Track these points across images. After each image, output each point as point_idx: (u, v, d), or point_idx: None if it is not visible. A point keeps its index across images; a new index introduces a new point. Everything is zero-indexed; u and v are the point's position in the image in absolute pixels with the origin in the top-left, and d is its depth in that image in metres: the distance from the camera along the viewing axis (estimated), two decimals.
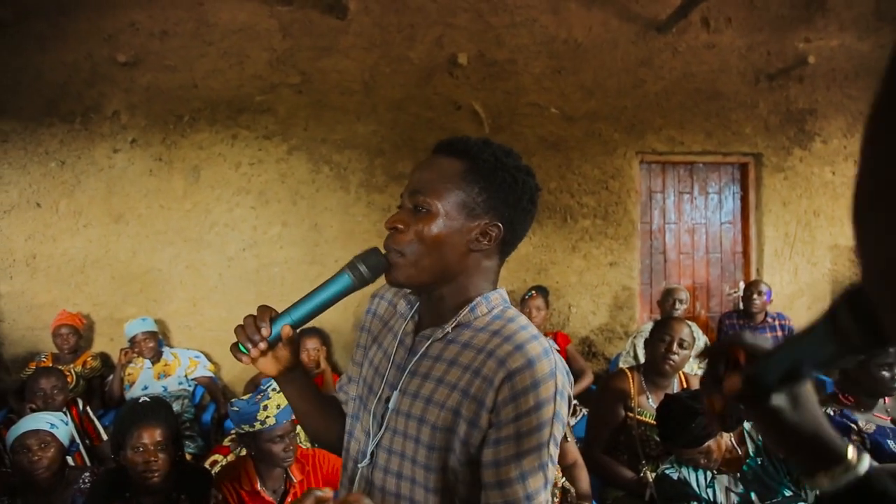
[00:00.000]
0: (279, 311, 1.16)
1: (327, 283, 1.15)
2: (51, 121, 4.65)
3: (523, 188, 1.14)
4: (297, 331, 1.16)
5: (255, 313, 1.14)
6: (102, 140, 4.69)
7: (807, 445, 0.74)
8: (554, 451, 1.06)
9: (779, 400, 0.73)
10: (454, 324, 1.14)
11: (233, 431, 3.32)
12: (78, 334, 4.42)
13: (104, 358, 4.64)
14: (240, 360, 1.14)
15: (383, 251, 1.15)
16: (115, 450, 2.35)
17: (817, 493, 0.76)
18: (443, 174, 1.12)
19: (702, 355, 0.80)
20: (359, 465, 1.18)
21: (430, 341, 1.15)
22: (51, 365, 4.16)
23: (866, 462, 0.71)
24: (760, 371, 0.72)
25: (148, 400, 2.44)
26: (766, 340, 0.75)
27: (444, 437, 1.06)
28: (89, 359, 4.43)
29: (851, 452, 0.71)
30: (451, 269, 1.13)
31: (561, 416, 1.06)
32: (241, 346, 1.13)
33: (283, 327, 1.13)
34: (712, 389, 0.79)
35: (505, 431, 1.02)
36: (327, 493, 0.85)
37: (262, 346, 1.12)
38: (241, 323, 1.14)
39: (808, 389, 0.74)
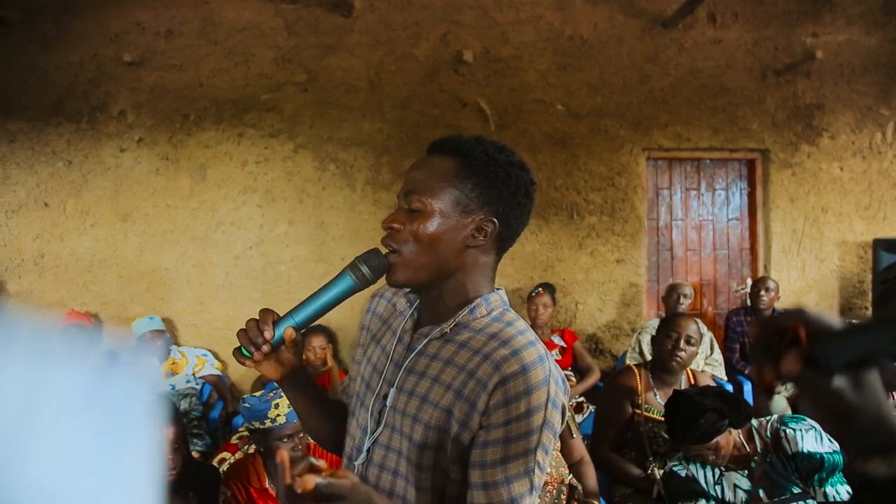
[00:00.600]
0: (281, 314, 1.14)
1: (329, 284, 1.15)
2: (57, 120, 4.67)
3: (517, 183, 1.14)
4: (301, 333, 1.16)
5: (258, 317, 1.13)
6: (109, 139, 4.71)
7: (866, 428, 0.70)
8: (542, 458, 1.06)
9: (840, 382, 0.69)
10: (453, 323, 1.14)
11: (241, 428, 3.33)
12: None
13: None
14: (243, 363, 1.13)
15: (383, 251, 1.16)
16: None
17: (868, 478, 0.72)
18: (435, 173, 1.13)
19: (757, 327, 0.76)
20: (354, 462, 1.18)
21: (427, 339, 1.15)
22: None
23: None
24: (826, 353, 0.68)
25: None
26: (832, 318, 0.71)
27: (435, 436, 1.07)
28: None
29: None
30: (448, 267, 1.14)
31: (551, 424, 1.06)
32: (243, 349, 1.12)
33: (286, 329, 1.12)
34: (765, 363, 0.74)
35: (493, 435, 1.03)
36: (322, 463, 0.85)
37: (266, 349, 1.11)
38: (244, 327, 1.13)
39: (872, 373, 0.71)
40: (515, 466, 1.03)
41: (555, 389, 1.06)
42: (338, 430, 1.31)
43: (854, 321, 0.69)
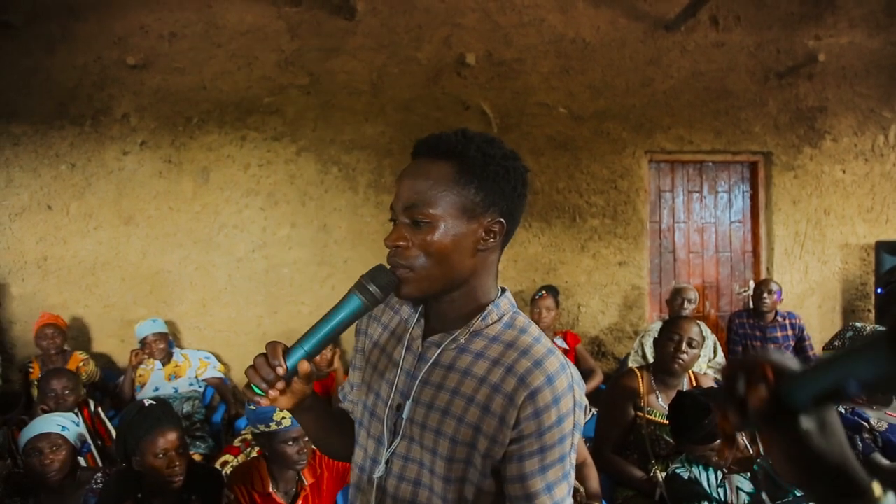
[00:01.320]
0: (288, 345, 1.08)
1: (337, 307, 1.09)
2: (61, 123, 4.68)
3: (515, 176, 1.11)
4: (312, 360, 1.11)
5: (265, 351, 1.07)
6: (112, 142, 4.72)
7: (830, 476, 0.67)
8: (574, 458, 1.08)
9: (808, 423, 0.67)
10: (467, 332, 1.12)
11: (244, 431, 3.34)
12: (63, 334, 4.32)
13: (104, 358, 4.66)
14: (258, 403, 1.08)
15: (388, 266, 1.11)
16: (124, 455, 2.34)
17: None
18: (434, 181, 1.07)
19: (723, 369, 0.73)
20: (374, 476, 1.15)
21: (440, 349, 1.13)
22: (38, 372, 4.10)
23: (891, 499, 0.66)
24: (794, 388, 0.66)
25: (154, 403, 2.42)
26: (793, 360, 0.69)
27: (463, 450, 1.06)
28: (81, 364, 4.26)
29: (877, 488, 0.66)
30: (462, 275, 1.11)
31: (579, 426, 1.08)
32: (255, 387, 1.06)
33: (301, 364, 1.06)
34: (728, 406, 0.72)
35: (528, 447, 1.03)
36: None
37: (280, 386, 1.06)
38: (252, 364, 1.06)
39: (835, 416, 0.69)
40: (554, 473, 1.05)
41: (579, 393, 1.08)
42: (347, 443, 1.29)
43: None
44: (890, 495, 0.66)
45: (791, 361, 0.68)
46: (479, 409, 1.05)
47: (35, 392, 3.95)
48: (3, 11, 4.49)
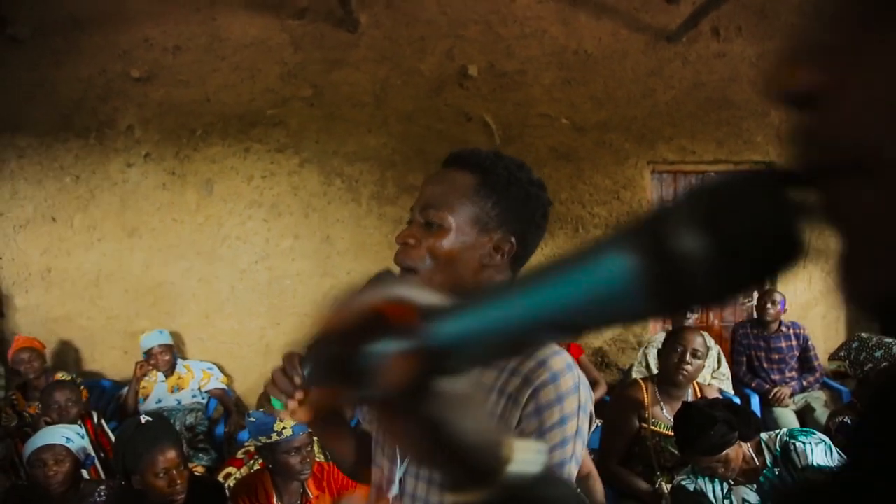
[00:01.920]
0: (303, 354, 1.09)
1: None
2: (66, 136, 4.70)
3: (536, 203, 1.12)
4: None
5: (282, 363, 1.05)
6: (116, 154, 4.74)
7: (466, 451, 0.49)
8: (574, 469, 1.05)
9: (452, 387, 0.47)
10: None
11: (247, 443, 3.33)
12: (41, 357, 4.16)
13: (99, 374, 4.67)
14: (279, 417, 1.08)
15: (395, 269, 1.12)
16: (123, 473, 2.31)
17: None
18: (455, 188, 1.10)
19: (324, 317, 0.47)
20: (388, 495, 1.14)
21: None
22: (23, 401, 4.00)
23: (521, 463, 0.50)
24: (452, 343, 0.43)
25: (151, 420, 2.39)
26: (431, 294, 0.46)
27: None
28: None
29: (508, 457, 0.50)
30: (464, 286, 1.10)
31: (583, 433, 1.05)
32: (274, 400, 1.05)
33: None
34: (329, 376, 0.49)
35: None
36: None
37: (300, 395, 1.04)
38: (270, 378, 1.05)
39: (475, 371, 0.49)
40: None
41: (585, 396, 1.05)
42: (363, 458, 1.28)
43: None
44: (521, 457, 0.50)
45: (432, 295, 0.46)
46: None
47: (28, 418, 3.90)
48: (9, 25, 4.52)
